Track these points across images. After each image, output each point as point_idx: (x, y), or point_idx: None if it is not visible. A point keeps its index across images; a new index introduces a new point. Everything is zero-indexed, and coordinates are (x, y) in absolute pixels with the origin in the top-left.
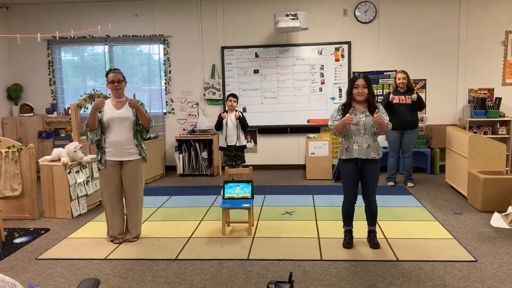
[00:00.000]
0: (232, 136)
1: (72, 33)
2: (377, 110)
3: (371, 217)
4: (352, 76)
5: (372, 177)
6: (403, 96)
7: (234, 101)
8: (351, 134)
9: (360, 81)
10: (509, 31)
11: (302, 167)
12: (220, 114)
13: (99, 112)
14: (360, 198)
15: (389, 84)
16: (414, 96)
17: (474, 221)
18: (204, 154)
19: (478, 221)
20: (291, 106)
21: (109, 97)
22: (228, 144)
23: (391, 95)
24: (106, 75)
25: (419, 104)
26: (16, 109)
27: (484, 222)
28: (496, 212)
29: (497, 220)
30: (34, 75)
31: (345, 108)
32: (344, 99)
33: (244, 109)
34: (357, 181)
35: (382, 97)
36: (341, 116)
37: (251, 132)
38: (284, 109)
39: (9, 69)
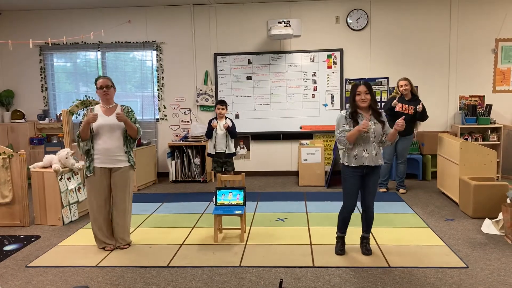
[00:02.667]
0: (221, 143)
1: (65, 39)
2: (403, 117)
3: (367, 224)
4: (345, 83)
5: (374, 182)
6: (406, 106)
7: (222, 109)
8: (360, 141)
9: (362, 88)
10: (499, 39)
11: (295, 173)
12: (210, 123)
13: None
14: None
15: (388, 90)
16: (420, 107)
17: (466, 228)
18: (197, 161)
19: (469, 228)
20: (284, 113)
21: (99, 103)
22: (217, 151)
23: (395, 101)
24: (95, 82)
25: (423, 115)
26: (8, 115)
27: (475, 229)
28: (487, 219)
29: (488, 227)
30: (26, 81)
31: (353, 116)
32: (336, 105)
33: (237, 116)
34: (359, 187)
35: (384, 103)
36: (349, 125)
37: (244, 138)
38: (277, 115)
39: (0, 75)
